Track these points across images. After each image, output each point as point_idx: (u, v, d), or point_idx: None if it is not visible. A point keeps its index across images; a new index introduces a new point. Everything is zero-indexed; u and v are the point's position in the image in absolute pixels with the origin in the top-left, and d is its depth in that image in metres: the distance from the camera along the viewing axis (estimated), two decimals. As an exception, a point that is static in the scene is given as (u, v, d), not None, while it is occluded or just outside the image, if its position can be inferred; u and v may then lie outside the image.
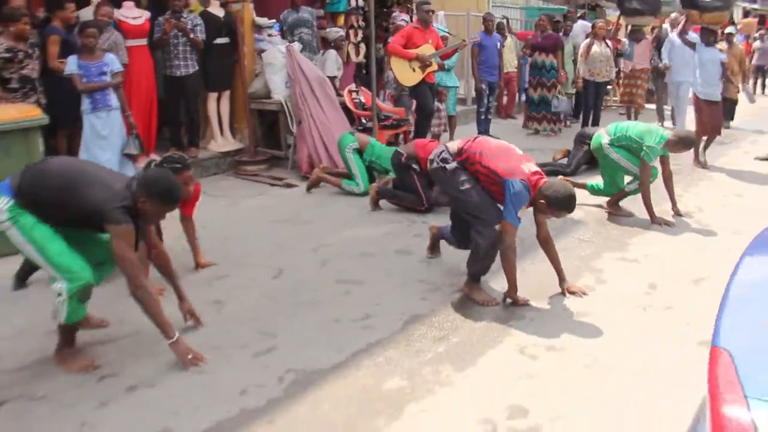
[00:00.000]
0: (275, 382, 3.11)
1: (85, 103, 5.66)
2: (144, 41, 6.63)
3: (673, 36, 9.29)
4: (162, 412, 2.85)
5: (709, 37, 7.94)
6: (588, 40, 9.57)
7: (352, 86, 7.94)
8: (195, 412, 2.85)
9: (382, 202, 6.06)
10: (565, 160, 7.55)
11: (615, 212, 5.88)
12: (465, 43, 8.13)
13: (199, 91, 7.24)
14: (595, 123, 9.48)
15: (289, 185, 6.96)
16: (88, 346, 3.37)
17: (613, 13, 15.39)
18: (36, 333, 3.53)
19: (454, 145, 4.07)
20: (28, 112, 5.03)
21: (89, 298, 3.10)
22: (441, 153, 4.06)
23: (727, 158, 8.39)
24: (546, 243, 4.12)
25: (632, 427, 2.81)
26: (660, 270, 4.69)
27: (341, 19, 8.71)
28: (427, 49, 7.30)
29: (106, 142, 5.75)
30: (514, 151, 3.97)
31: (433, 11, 7.70)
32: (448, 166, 3.96)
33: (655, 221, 5.60)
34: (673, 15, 10.79)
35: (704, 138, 7.85)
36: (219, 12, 7.26)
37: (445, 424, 2.83)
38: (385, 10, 9.18)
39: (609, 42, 9.67)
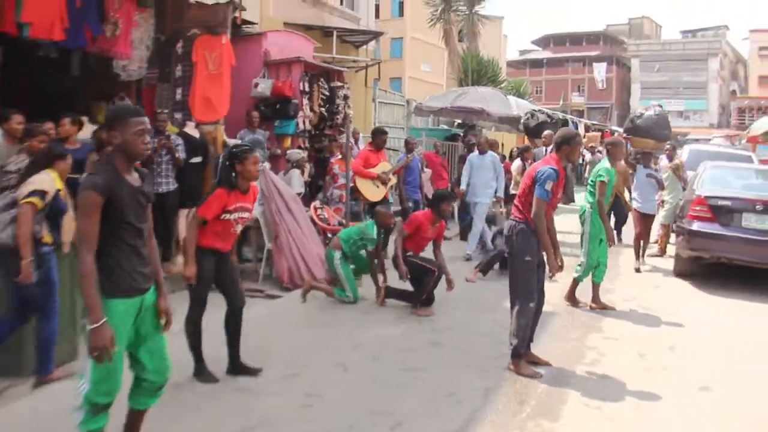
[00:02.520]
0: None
1: (97, 218, 6.03)
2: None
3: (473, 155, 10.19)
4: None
5: (648, 159, 9.91)
6: (518, 161, 10.79)
7: (317, 203, 8.89)
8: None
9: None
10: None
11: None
12: (409, 158, 9.55)
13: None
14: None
15: (271, 296, 7.54)
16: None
17: (487, 132, 18.08)
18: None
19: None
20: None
21: (106, 417, 3.19)
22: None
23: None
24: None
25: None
26: (638, 341, 6.05)
27: (288, 141, 9.73)
28: (381, 167, 8.57)
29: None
30: None
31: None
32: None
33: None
34: (546, 132, 11.98)
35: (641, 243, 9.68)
36: (195, 133, 7.98)
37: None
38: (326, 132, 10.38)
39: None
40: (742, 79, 71.02)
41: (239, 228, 4.89)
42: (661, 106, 11.33)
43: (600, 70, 65.21)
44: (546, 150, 10.82)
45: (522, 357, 5.20)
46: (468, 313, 6.85)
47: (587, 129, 30.47)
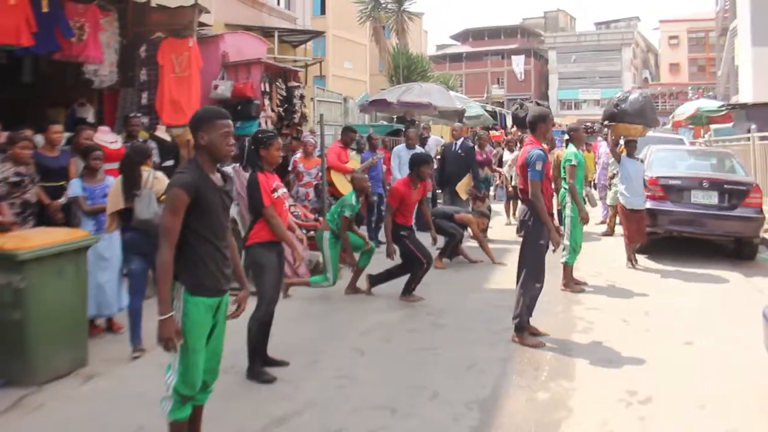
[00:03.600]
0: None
1: (88, 226, 6.11)
2: (116, 165, 7.21)
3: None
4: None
5: (634, 148, 8.88)
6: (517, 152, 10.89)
7: (290, 200, 9.13)
8: None
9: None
10: None
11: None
12: (376, 159, 9.97)
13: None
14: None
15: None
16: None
17: (425, 124, 18.68)
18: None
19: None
20: (75, 234, 5.49)
21: (190, 408, 3.46)
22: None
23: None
24: None
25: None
26: (617, 309, 6.70)
27: (250, 141, 9.93)
28: (353, 163, 8.95)
29: (107, 263, 6.16)
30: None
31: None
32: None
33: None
34: (456, 125, 11.97)
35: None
36: (166, 136, 8.11)
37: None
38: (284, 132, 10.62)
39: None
40: (653, 67, 75.35)
41: (287, 206, 5.18)
42: (641, 89, 10.36)
43: (519, 63, 67.50)
44: (456, 143, 10.83)
45: (526, 330, 5.72)
46: (456, 296, 7.33)
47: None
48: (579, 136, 8.03)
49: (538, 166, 5.52)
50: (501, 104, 57.15)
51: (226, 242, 3.45)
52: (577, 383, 4.78)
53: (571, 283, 7.69)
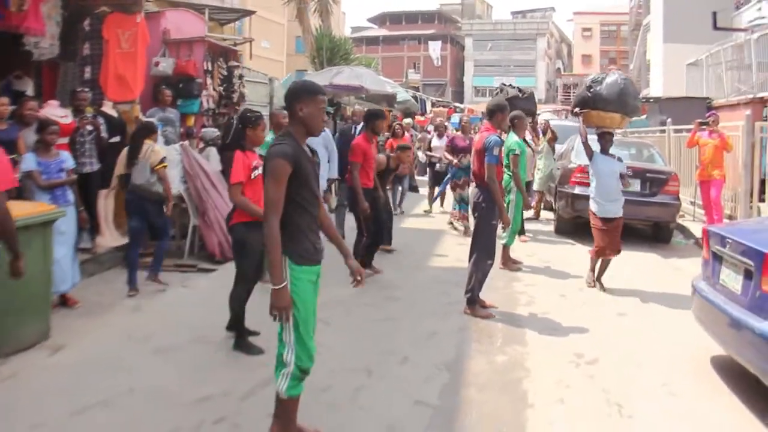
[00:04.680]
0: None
1: (45, 200, 6.20)
2: (67, 140, 7.27)
3: None
4: None
5: (607, 142, 7.41)
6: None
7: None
8: None
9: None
10: None
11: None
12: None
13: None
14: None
15: (205, 270, 8.01)
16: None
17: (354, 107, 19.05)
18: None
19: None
20: (41, 207, 5.62)
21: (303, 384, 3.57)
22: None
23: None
24: None
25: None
26: (554, 286, 7.42)
27: (191, 120, 10.06)
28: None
29: (63, 237, 6.27)
30: None
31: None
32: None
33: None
34: (356, 108, 12.09)
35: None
36: (113, 112, 8.17)
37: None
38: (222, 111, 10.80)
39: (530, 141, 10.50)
40: (566, 57, 78.55)
41: None
42: (620, 70, 8.48)
43: (435, 48, 68.70)
44: (357, 128, 9.97)
45: (476, 303, 6.30)
46: (403, 273, 7.84)
47: (433, 105, 32.81)
48: (522, 123, 8.61)
49: (495, 152, 6.10)
50: (417, 89, 58.34)
51: (318, 212, 3.59)
52: (530, 348, 5.39)
53: (509, 263, 8.36)
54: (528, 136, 10.44)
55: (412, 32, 70.02)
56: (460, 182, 10.57)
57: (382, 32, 71.82)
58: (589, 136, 7.65)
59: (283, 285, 3.27)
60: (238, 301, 5.20)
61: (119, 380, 4.53)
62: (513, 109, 9.66)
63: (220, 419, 3.98)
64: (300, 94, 3.44)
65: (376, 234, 7.74)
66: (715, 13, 16.42)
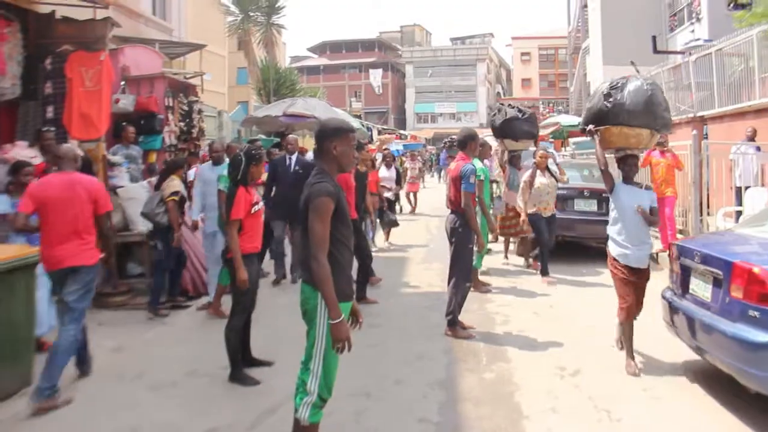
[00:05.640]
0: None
1: (20, 242, 6.26)
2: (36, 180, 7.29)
3: None
4: None
5: (630, 168, 5.81)
6: (530, 171, 9.51)
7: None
8: None
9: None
10: None
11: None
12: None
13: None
14: (545, 261, 9.36)
15: (180, 306, 8.09)
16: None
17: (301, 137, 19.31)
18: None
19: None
20: (25, 250, 5.67)
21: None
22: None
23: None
24: None
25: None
26: (525, 305, 7.79)
27: (153, 156, 10.13)
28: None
29: (39, 280, 6.34)
30: None
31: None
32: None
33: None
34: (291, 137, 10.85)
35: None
36: (79, 151, 8.19)
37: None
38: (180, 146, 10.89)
39: (553, 171, 9.67)
40: (505, 81, 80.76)
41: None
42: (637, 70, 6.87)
43: (376, 76, 69.78)
44: (291, 159, 9.39)
45: (457, 324, 6.60)
46: (380, 300, 8.06)
47: (379, 132, 33.41)
48: (485, 151, 8.99)
49: (472, 179, 6.48)
50: (359, 117, 59.03)
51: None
52: (514, 364, 5.71)
53: (479, 285, 8.69)
54: (552, 166, 9.67)
55: (352, 61, 70.97)
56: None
57: (323, 61, 72.55)
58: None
59: (341, 319, 3.44)
60: (235, 331, 5.35)
61: (121, 420, 4.64)
62: (514, 131, 10.08)
63: (232, 449, 4.14)
64: (334, 132, 3.67)
65: (362, 267, 8.08)
66: (654, 37, 17.42)
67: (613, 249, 5.75)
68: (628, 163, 5.82)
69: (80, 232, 5.14)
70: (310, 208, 3.48)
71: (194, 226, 8.18)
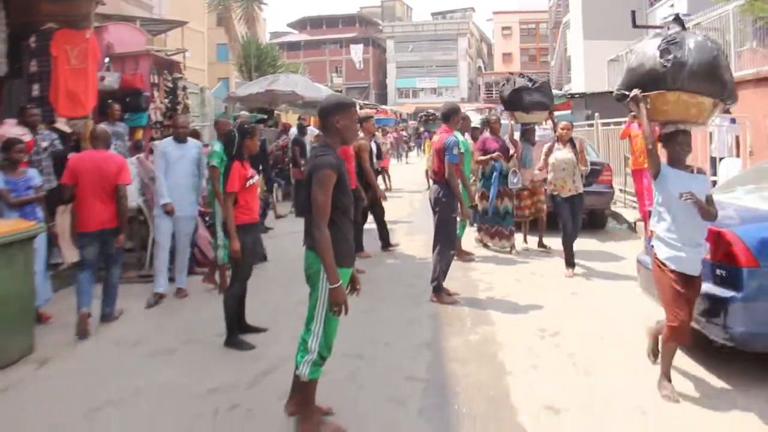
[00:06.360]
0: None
1: (14, 217, 6.41)
2: (26, 158, 7.41)
3: None
4: None
5: (683, 148, 4.64)
6: (548, 144, 8.49)
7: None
8: None
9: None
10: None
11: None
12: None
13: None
14: (569, 250, 8.09)
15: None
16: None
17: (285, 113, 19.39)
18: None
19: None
20: (23, 224, 5.85)
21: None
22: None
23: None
24: None
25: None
26: (508, 272, 8.10)
27: (140, 133, 10.27)
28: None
29: (35, 253, 6.53)
30: None
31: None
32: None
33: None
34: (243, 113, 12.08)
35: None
36: (66, 128, 8.35)
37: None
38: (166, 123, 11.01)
39: (576, 144, 8.36)
40: (486, 56, 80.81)
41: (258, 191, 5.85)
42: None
43: (357, 52, 69.48)
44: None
45: (442, 291, 6.88)
46: (366, 269, 8.26)
47: (361, 108, 33.56)
48: (467, 124, 9.22)
49: (455, 151, 6.74)
50: (340, 92, 59.01)
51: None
52: (497, 327, 6.00)
53: (462, 254, 8.97)
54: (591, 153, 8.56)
55: (333, 36, 70.59)
56: (502, 191, 9.43)
57: (303, 37, 72.07)
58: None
59: (339, 284, 3.64)
60: (234, 298, 5.59)
61: (122, 383, 4.86)
62: (523, 101, 9.24)
63: (233, 406, 4.40)
64: (337, 107, 3.85)
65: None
66: (633, 12, 17.67)
67: (661, 251, 4.56)
68: (678, 141, 4.60)
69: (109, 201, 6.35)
70: (314, 180, 3.67)
71: (170, 211, 7.25)
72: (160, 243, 7.41)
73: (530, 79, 9.40)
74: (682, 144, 4.60)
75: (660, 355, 4.69)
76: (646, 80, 4.68)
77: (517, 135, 9.88)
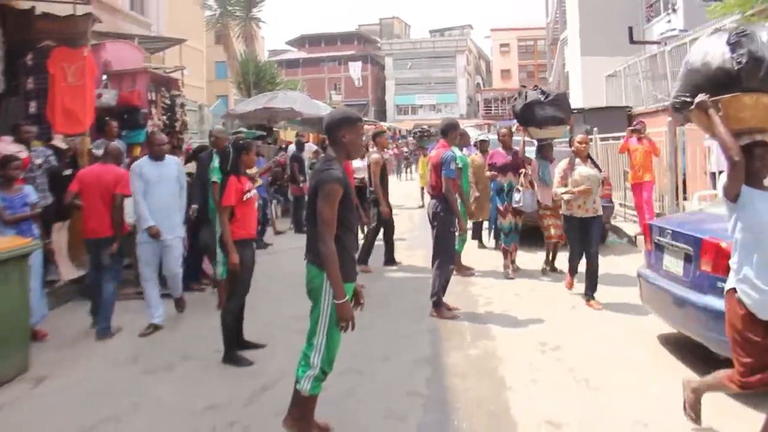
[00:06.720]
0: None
1: (11, 234, 6.39)
2: (22, 174, 7.40)
3: None
4: None
5: (764, 165, 3.73)
6: (567, 160, 7.64)
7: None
8: None
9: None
10: None
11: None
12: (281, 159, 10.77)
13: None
14: (593, 282, 7.31)
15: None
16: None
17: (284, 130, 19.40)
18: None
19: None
20: (18, 241, 5.83)
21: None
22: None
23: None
24: None
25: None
26: (506, 287, 8.06)
27: (137, 150, 10.26)
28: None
29: (31, 270, 6.49)
30: None
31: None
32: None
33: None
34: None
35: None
36: (62, 145, 8.35)
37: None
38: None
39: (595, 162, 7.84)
40: (485, 73, 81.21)
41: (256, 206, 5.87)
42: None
43: (356, 69, 69.68)
44: None
45: (442, 305, 6.85)
46: (364, 284, 8.23)
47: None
48: (465, 139, 9.25)
49: (452, 166, 6.74)
50: (340, 110, 59.12)
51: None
52: (498, 341, 5.97)
53: (462, 269, 8.94)
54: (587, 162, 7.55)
55: (332, 54, 70.93)
56: (502, 209, 9.06)
57: (302, 54, 72.43)
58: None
59: (345, 300, 3.63)
60: (232, 314, 5.56)
61: (119, 400, 4.83)
62: (536, 116, 8.60)
63: (231, 423, 4.36)
64: (344, 121, 3.85)
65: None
66: (630, 28, 17.79)
67: (747, 296, 3.64)
68: (757, 155, 3.73)
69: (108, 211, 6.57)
70: (320, 194, 3.65)
71: (155, 234, 6.70)
72: (144, 275, 6.86)
73: (543, 92, 8.80)
74: (763, 159, 3.72)
75: (710, 385, 4.02)
76: (713, 82, 3.94)
77: (528, 151, 9.31)
